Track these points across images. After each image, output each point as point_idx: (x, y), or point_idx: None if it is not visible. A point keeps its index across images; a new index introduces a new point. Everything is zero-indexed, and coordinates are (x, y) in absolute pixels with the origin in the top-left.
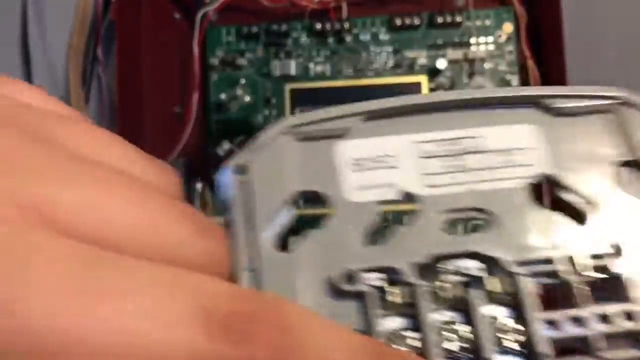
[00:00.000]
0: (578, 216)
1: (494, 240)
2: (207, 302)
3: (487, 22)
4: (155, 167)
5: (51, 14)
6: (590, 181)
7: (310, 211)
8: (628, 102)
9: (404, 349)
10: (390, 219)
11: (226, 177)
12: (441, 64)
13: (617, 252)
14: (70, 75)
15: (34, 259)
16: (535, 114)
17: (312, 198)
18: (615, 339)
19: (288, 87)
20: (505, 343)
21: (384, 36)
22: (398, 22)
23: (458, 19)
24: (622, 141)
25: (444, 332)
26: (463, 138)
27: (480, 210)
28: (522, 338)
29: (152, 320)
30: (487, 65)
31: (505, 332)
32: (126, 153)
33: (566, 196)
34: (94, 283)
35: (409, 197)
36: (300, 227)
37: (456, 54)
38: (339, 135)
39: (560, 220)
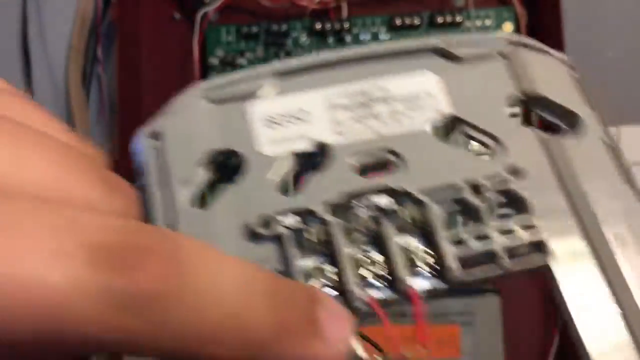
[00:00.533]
0: (482, 150)
1: (403, 176)
2: (94, 234)
3: (487, 22)
4: (77, 136)
5: (51, 14)
6: (490, 119)
7: None
8: (518, 43)
9: (322, 280)
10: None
11: (139, 144)
12: None
13: (518, 176)
14: (70, 75)
15: None
16: (435, 62)
17: (227, 157)
18: (517, 250)
19: None
20: (418, 266)
21: (384, 36)
22: (398, 22)
23: (458, 18)
24: (517, 81)
25: (360, 264)
26: (370, 89)
27: (389, 152)
28: (432, 260)
29: (35, 255)
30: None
31: (416, 256)
32: (51, 119)
33: (470, 133)
34: None
35: (320, 147)
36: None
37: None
38: (251, 95)
39: (466, 154)
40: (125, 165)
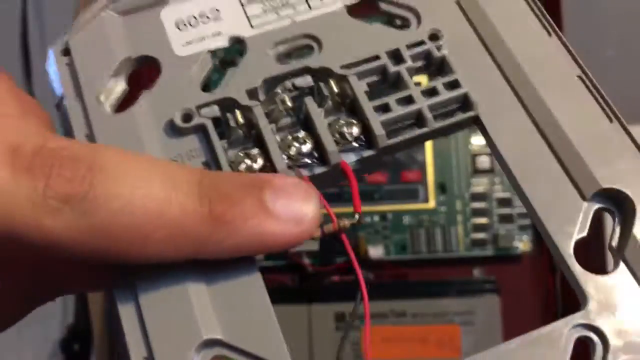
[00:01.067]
0: (401, 23)
1: (322, 56)
2: (17, 139)
3: None
4: None
5: (51, 14)
6: None
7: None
8: None
9: (250, 165)
10: (391, 219)
11: (52, 62)
12: None
13: (436, 38)
14: None
15: None
16: None
17: (143, 63)
18: (443, 108)
19: None
20: (345, 138)
21: None
22: (398, 21)
23: None
24: None
25: (288, 145)
26: None
27: (305, 36)
28: (358, 130)
29: None
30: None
31: (342, 129)
32: None
33: (386, 8)
34: None
35: (236, 41)
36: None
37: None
38: (160, 2)
39: (384, 29)
40: None
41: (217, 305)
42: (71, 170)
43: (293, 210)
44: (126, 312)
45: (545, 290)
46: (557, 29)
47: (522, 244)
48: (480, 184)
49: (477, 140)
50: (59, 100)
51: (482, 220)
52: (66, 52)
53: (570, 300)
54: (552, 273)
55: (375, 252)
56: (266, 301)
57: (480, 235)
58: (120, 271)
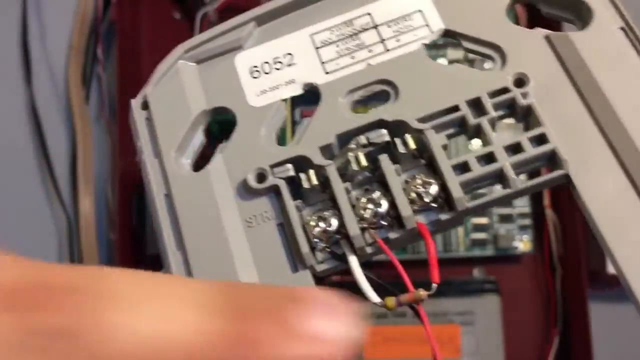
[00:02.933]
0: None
1: (398, 106)
2: (4, 275)
3: None
4: None
5: (51, 14)
6: (488, 27)
7: None
8: None
9: (324, 227)
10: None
11: (132, 117)
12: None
13: (523, 84)
14: (70, 75)
15: None
16: None
17: (220, 114)
18: (528, 165)
19: None
20: (422, 199)
21: None
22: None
23: None
24: None
25: (363, 207)
26: (354, 19)
27: (381, 82)
28: (436, 190)
29: None
30: (487, 66)
31: (420, 189)
32: None
33: (469, 45)
34: None
35: (310, 88)
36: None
37: (457, 54)
38: (235, 48)
39: (464, 70)
40: (124, 165)
41: None
42: (62, 300)
43: (319, 330)
44: None
45: (546, 290)
46: None
47: (522, 244)
48: None
49: (478, 141)
50: (138, 154)
51: (482, 220)
52: (145, 105)
53: (571, 300)
54: (552, 273)
55: None
56: None
57: (480, 235)
58: None
